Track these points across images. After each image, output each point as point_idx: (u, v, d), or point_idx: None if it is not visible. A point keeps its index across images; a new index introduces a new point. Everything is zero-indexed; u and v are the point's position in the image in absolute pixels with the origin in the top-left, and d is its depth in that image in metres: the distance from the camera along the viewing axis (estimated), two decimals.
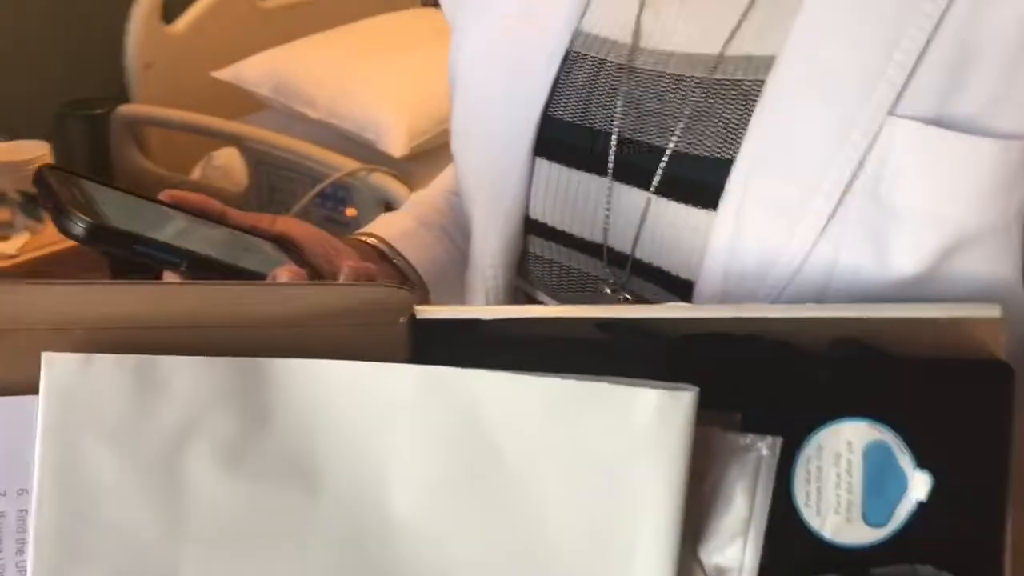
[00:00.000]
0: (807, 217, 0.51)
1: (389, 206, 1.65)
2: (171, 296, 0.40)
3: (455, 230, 0.79)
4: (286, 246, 0.63)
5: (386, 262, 0.74)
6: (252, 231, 0.63)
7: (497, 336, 0.45)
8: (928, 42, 0.49)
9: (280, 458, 0.41)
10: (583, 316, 0.46)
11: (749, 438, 0.44)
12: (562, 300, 0.66)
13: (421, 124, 1.83)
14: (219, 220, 0.61)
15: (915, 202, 0.49)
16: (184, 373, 0.39)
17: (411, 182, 1.69)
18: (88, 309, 0.40)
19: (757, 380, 0.45)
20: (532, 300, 0.69)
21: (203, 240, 0.56)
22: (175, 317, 0.40)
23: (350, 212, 1.73)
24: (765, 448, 0.44)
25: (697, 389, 0.41)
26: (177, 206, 0.59)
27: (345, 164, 1.73)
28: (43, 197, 0.52)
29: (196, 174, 2.02)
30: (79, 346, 0.39)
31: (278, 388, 0.41)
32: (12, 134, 1.70)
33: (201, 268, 0.53)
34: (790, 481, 0.44)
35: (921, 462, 0.44)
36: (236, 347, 0.40)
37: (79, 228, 0.49)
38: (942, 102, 0.49)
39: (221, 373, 0.40)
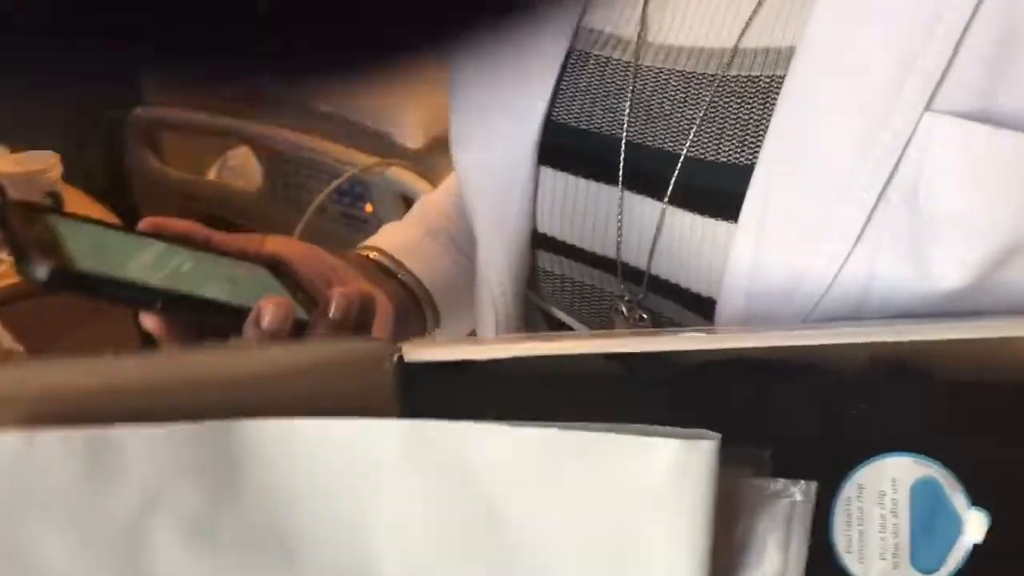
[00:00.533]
0: (836, 229, 0.46)
1: (408, 200, 1.61)
2: (117, 371, 0.36)
3: (464, 238, 0.74)
4: (278, 269, 0.60)
5: (391, 278, 0.69)
6: (241, 255, 0.59)
7: (497, 372, 0.41)
8: (969, 24, 0.43)
9: (255, 527, 0.37)
10: (589, 351, 0.41)
11: (780, 483, 0.39)
12: (577, 317, 0.62)
13: (438, 113, 1.78)
14: (204, 246, 0.57)
15: (958, 208, 0.44)
16: (141, 443, 0.35)
17: (431, 176, 1.65)
18: (32, 381, 0.36)
19: (786, 412, 0.41)
20: (546, 315, 0.64)
21: (182, 273, 0.52)
22: (127, 387, 0.36)
23: (368, 208, 1.70)
24: (799, 493, 0.39)
25: (719, 436, 0.36)
26: (157, 235, 0.55)
27: (361, 159, 1.69)
28: (6, 237, 0.48)
29: (212, 175, 2.00)
30: (25, 418, 0.35)
31: (249, 451, 0.37)
32: (22, 143, 1.67)
33: (177, 306, 0.49)
34: (829, 525, 0.40)
35: (975, 500, 0.40)
36: (201, 408, 0.36)
37: (40, 273, 0.45)
38: (987, 94, 0.43)
39: (183, 439, 0.36)
